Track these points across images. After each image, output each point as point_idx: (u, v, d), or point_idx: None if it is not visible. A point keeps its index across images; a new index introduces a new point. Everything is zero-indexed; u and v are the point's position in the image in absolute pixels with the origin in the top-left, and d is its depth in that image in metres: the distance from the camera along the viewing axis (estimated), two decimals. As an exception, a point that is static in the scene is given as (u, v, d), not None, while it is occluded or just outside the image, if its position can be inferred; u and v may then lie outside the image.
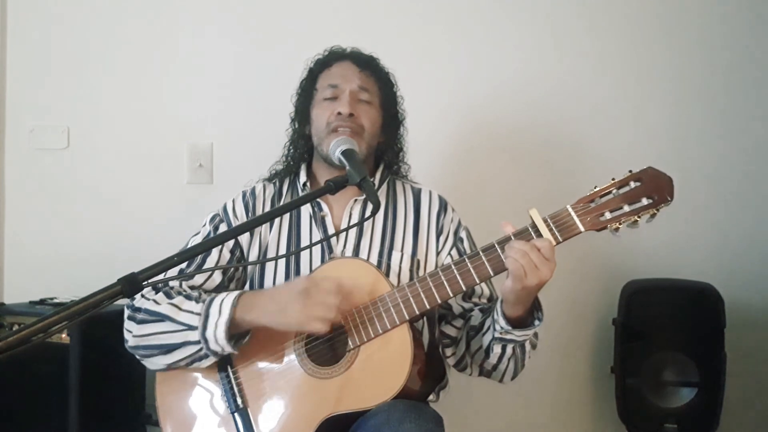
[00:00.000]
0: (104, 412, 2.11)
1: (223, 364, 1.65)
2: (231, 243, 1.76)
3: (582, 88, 2.61)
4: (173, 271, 1.68)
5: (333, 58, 1.86)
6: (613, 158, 2.50)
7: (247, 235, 1.77)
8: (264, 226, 1.79)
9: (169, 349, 1.61)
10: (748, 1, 2.66)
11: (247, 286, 1.79)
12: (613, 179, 1.56)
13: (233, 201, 1.85)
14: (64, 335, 2.04)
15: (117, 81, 2.48)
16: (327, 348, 1.63)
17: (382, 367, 1.58)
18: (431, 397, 1.74)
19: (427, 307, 1.59)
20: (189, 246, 1.77)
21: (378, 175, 1.86)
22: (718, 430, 2.34)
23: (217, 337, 1.55)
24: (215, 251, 1.75)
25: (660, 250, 2.56)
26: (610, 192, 1.55)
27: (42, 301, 2.22)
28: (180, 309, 1.61)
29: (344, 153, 1.62)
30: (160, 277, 1.18)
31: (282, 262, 1.76)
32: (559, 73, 2.61)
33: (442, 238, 1.82)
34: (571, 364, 2.61)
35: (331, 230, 1.78)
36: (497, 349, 1.65)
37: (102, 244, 2.44)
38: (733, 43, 2.64)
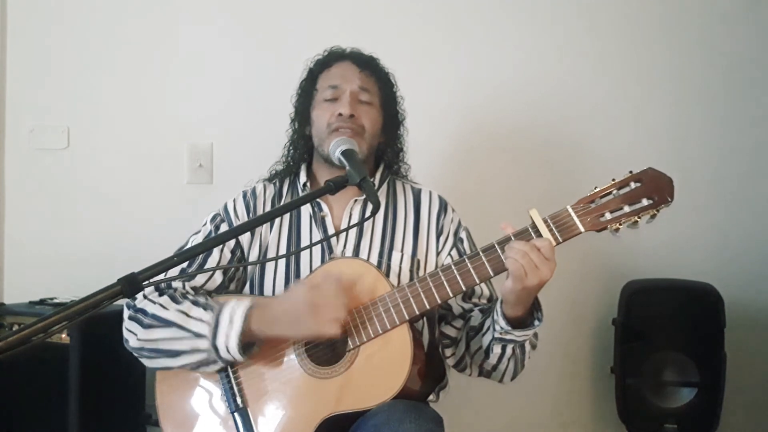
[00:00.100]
0: (104, 412, 2.11)
1: (224, 364, 1.65)
2: (232, 243, 1.76)
3: (582, 88, 2.61)
4: (174, 271, 1.68)
5: (333, 58, 1.85)
6: (613, 158, 2.50)
7: (248, 235, 1.77)
8: (264, 226, 1.79)
9: (175, 354, 1.62)
10: (748, 1, 2.66)
11: (247, 287, 1.79)
12: (613, 180, 1.56)
13: (234, 201, 1.84)
14: (64, 335, 2.04)
15: (117, 81, 2.48)
16: (327, 348, 1.63)
17: (381, 367, 1.58)
18: (431, 397, 1.74)
19: (427, 307, 1.59)
20: (189, 245, 1.78)
21: (378, 175, 1.86)
22: (718, 430, 2.34)
23: (229, 348, 1.56)
24: (216, 251, 1.75)
25: (660, 250, 2.56)
26: (610, 192, 1.55)
27: (42, 301, 2.22)
28: (188, 316, 1.61)
29: (344, 153, 1.62)
30: (161, 277, 1.18)
31: (282, 262, 1.76)
32: (559, 73, 2.61)
33: (442, 239, 1.82)
34: (571, 364, 2.61)
35: (331, 230, 1.78)
36: (497, 349, 1.65)
37: (102, 244, 2.44)
38: (733, 43, 2.64)
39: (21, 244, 2.45)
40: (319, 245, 1.76)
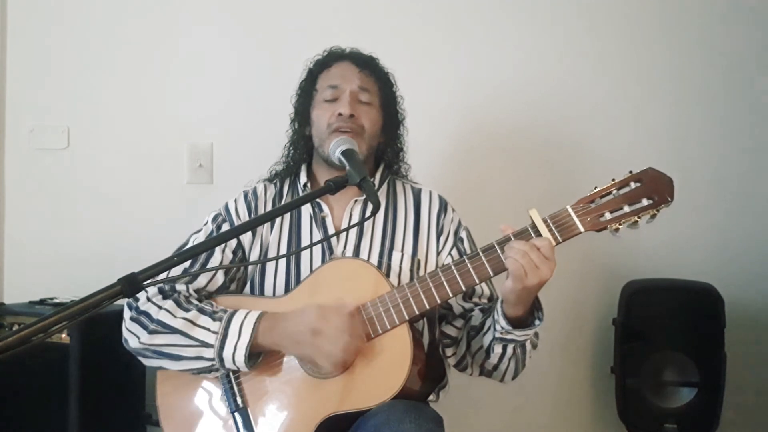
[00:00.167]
0: (104, 412, 2.11)
1: (224, 365, 1.66)
2: (234, 244, 1.76)
3: (582, 88, 2.61)
4: (177, 271, 1.68)
5: (332, 58, 1.85)
6: (613, 158, 2.50)
7: (249, 235, 1.77)
8: (265, 226, 1.79)
9: (178, 358, 1.62)
10: (748, 1, 2.66)
11: (247, 287, 1.79)
12: (613, 180, 1.56)
13: (235, 201, 1.84)
14: (64, 335, 2.04)
15: (117, 81, 2.48)
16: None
17: (381, 367, 1.58)
18: (431, 397, 1.74)
19: (427, 307, 1.59)
20: (190, 244, 1.78)
21: (378, 175, 1.86)
22: (718, 430, 2.34)
23: (236, 359, 1.57)
24: (219, 251, 1.74)
25: (660, 250, 2.56)
26: (610, 192, 1.55)
27: (42, 301, 2.22)
28: (195, 324, 1.62)
29: (344, 153, 1.62)
30: (162, 276, 1.18)
31: (282, 262, 1.76)
32: (559, 73, 2.61)
33: (442, 239, 1.82)
34: (571, 364, 2.61)
35: (331, 230, 1.78)
36: (498, 349, 1.65)
37: (102, 244, 2.44)
38: (733, 43, 2.64)
39: (21, 244, 2.45)
40: (319, 245, 1.76)
